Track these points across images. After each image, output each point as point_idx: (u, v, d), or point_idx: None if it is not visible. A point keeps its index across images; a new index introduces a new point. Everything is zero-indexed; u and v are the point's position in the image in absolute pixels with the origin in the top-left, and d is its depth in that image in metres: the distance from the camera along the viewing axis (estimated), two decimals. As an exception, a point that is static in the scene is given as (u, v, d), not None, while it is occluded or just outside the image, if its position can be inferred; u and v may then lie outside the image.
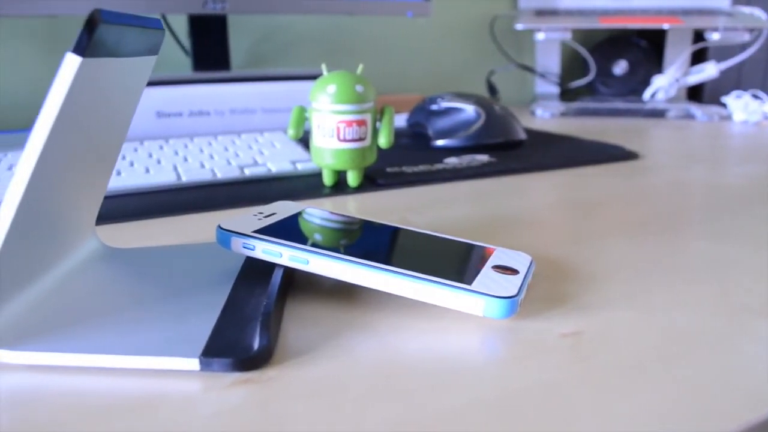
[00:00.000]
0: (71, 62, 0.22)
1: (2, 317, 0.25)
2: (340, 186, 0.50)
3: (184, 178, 0.49)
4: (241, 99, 0.72)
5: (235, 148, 0.58)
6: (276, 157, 0.55)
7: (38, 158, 0.23)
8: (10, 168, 0.52)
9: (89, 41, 0.22)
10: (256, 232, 0.30)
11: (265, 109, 0.73)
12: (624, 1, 1.07)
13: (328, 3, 0.81)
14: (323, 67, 0.49)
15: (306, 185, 0.50)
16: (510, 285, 0.28)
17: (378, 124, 0.49)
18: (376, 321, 0.28)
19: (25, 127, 0.87)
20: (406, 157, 0.60)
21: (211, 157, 0.55)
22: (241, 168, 0.52)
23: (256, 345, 0.24)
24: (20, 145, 0.66)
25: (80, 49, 0.22)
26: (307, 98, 0.75)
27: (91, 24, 0.22)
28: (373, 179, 0.52)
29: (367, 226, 0.33)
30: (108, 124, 0.28)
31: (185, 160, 0.54)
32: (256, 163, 0.54)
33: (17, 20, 0.84)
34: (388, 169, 0.55)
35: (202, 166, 0.53)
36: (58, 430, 0.20)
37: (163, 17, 0.87)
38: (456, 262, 0.30)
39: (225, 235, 0.30)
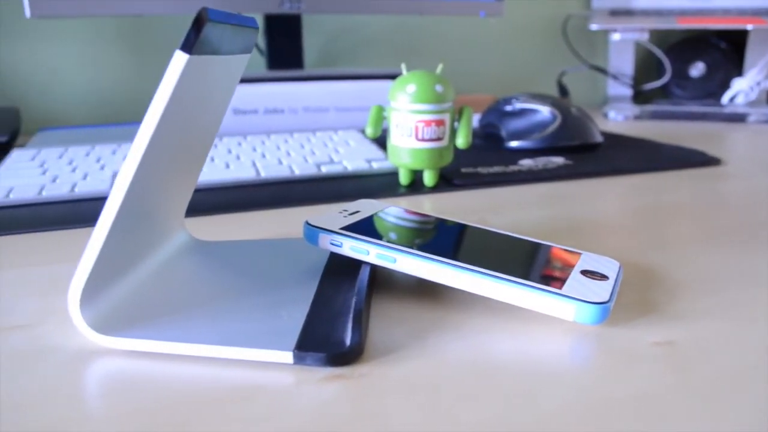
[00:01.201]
0: (179, 59, 0.23)
1: (103, 304, 0.26)
2: (415, 185, 0.50)
3: (263, 174, 0.50)
4: (314, 97, 0.73)
5: (311, 145, 0.59)
6: (351, 155, 0.56)
7: (144, 152, 0.24)
8: (98, 161, 0.54)
9: (197, 39, 0.23)
10: (342, 229, 0.31)
11: (337, 107, 0.74)
12: (703, 1, 1.04)
13: (401, 3, 0.81)
14: (403, 66, 0.49)
15: (381, 184, 0.51)
16: (601, 291, 0.27)
17: (456, 124, 0.49)
18: (463, 322, 0.27)
19: (109, 122, 0.90)
20: (479, 157, 0.60)
21: (288, 154, 0.56)
22: (318, 165, 0.53)
23: (347, 341, 0.24)
24: (105, 139, 0.69)
25: (188, 47, 0.23)
26: (378, 98, 0.76)
27: (199, 22, 0.23)
28: (449, 179, 0.52)
29: (451, 227, 0.33)
30: (204, 120, 0.29)
31: (263, 156, 0.56)
32: (332, 161, 0.54)
33: (104, 20, 0.88)
34: (463, 170, 0.54)
35: (280, 162, 0.54)
36: (155, 415, 0.21)
37: (240, 16, 0.89)
38: (543, 265, 0.29)
39: (312, 231, 0.31)
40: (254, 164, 0.53)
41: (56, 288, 0.32)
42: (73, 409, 0.22)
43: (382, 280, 0.32)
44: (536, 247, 0.32)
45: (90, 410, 0.22)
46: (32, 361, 0.25)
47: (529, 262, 0.30)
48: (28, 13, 0.68)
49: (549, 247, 0.32)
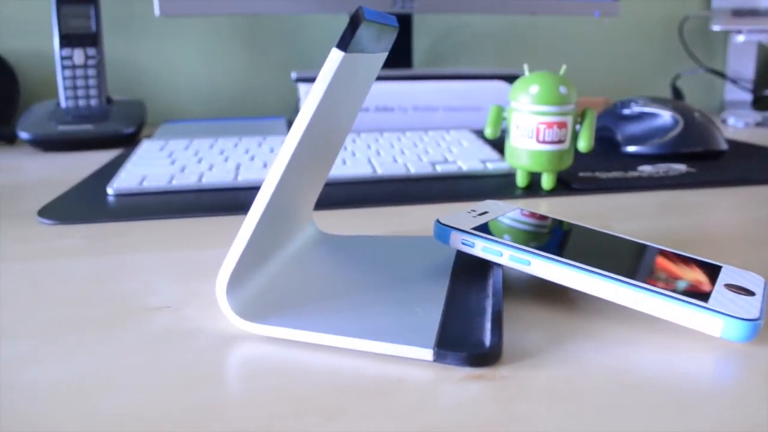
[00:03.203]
0: (335, 57, 0.24)
1: (246, 291, 0.27)
2: (533, 188, 0.49)
3: (380, 171, 0.51)
4: (424, 96, 0.73)
5: (424, 144, 0.59)
6: (465, 155, 0.56)
7: (296, 146, 0.25)
8: (221, 153, 0.57)
9: (352, 37, 0.24)
10: (473, 229, 0.30)
11: (446, 107, 0.74)
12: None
13: (514, 2, 0.80)
14: (525, 67, 0.48)
15: (497, 185, 0.50)
16: (750, 306, 0.26)
17: (577, 126, 0.47)
18: (602, 330, 0.27)
19: (224, 115, 0.94)
20: (595, 162, 0.58)
21: (402, 152, 0.57)
22: (433, 164, 0.53)
23: (487, 342, 0.24)
24: (224, 132, 0.72)
25: (344, 45, 0.24)
26: (488, 98, 0.75)
27: (355, 21, 0.24)
28: (567, 183, 0.50)
29: (583, 232, 0.32)
30: (343, 117, 0.30)
31: (378, 153, 0.56)
32: (446, 161, 0.54)
33: (220, 18, 0.91)
34: (581, 174, 0.53)
35: (395, 160, 0.54)
36: (301, 402, 0.22)
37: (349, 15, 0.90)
38: (684, 276, 0.28)
39: (444, 230, 0.31)
40: (370, 161, 0.54)
41: (193, 273, 0.34)
42: (217, 391, 0.23)
43: (509, 283, 0.32)
44: (674, 256, 0.31)
45: (234, 393, 0.22)
46: (178, 343, 0.26)
47: (668, 272, 0.28)
48: (157, 11, 0.72)
49: (687, 257, 0.31)
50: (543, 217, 0.34)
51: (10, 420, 0.21)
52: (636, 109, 0.64)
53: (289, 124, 0.79)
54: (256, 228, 0.26)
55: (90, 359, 0.25)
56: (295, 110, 0.78)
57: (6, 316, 0.29)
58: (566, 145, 0.47)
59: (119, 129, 0.71)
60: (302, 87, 0.72)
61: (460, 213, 0.33)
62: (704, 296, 0.26)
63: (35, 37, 0.87)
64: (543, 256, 0.28)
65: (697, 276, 0.28)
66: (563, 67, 0.47)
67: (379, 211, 0.45)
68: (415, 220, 0.43)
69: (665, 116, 0.62)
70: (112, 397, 0.22)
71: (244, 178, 0.49)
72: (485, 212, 0.33)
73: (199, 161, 0.54)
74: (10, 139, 0.75)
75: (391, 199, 0.47)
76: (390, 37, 0.30)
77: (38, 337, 0.27)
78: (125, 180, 0.49)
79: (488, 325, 0.25)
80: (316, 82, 0.24)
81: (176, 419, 0.21)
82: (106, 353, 0.25)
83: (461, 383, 0.23)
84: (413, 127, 0.73)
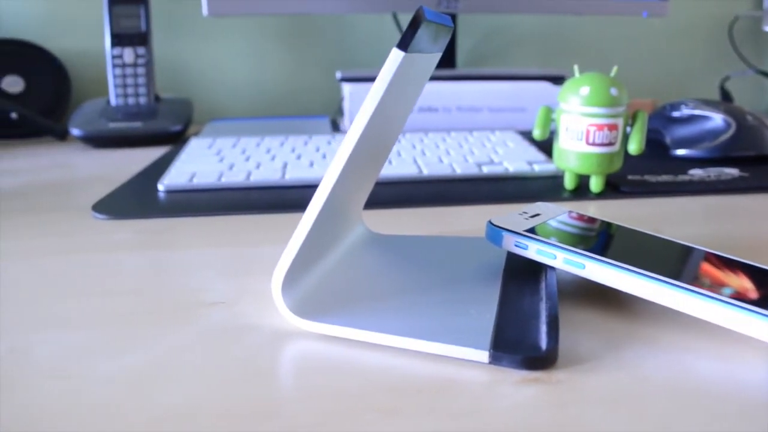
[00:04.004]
0: (395, 57, 0.24)
1: (300, 289, 0.27)
2: (581, 191, 0.49)
3: (425, 172, 0.51)
4: (468, 97, 0.73)
5: (469, 145, 0.59)
6: (511, 156, 0.55)
7: (354, 146, 0.25)
8: (268, 151, 0.57)
9: (413, 37, 0.24)
10: (526, 231, 0.30)
11: (491, 107, 0.73)
12: None
13: (560, 3, 0.79)
14: (575, 68, 0.47)
15: (544, 187, 0.50)
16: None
17: (628, 128, 0.47)
18: (658, 336, 0.26)
19: (268, 114, 0.95)
20: (643, 165, 0.57)
21: (447, 152, 0.57)
22: (479, 165, 0.53)
23: (543, 345, 0.24)
24: (269, 131, 0.72)
25: (404, 45, 0.24)
26: (533, 99, 0.74)
27: (416, 22, 0.24)
28: (616, 186, 0.50)
29: (638, 236, 0.32)
30: (397, 118, 0.30)
31: (423, 153, 0.56)
32: (492, 162, 0.54)
33: (266, 18, 0.92)
34: (629, 177, 0.52)
35: (441, 160, 0.54)
36: (359, 399, 0.22)
37: (394, 15, 0.90)
38: (741, 282, 0.27)
39: (496, 231, 0.31)
40: (415, 161, 0.54)
41: (245, 269, 0.34)
42: (274, 387, 0.23)
43: (561, 286, 0.31)
44: (729, 261, 0.30)
45: (290, 389, 0.23)
46: (233, 338, 0.27)
47: (723, 277, 0.28)
48: (205, 11, 0.73)
49: (742, 263, 0.30)
50: (595, 221, 0.34)
51: (73, 408, 0.22)
52: (686, 111, 0.63)
53: (333, 123, 0.79)
54: (313, 226, 0.26)
55: (148, 352, 0.25)
56: (339, 110, 0.79)
57: (67, 307, 0.30)
58: (616, 148, 0.46)
59: (167, 127, 0.73)
60: (346, 87, 0.72)
61: (512, 214, 0.33)
62: (762, 302, 0.26)
63: (86, 36, 0.89)
64: (598, 259, 0.28)
65: (754, 282, 0.28)
66: (614, 68, 0.47)
67: (425, 212, 0.45)
68: (461, 220, 0.42)
69: (716, 119, 0.61)
70: (170, 390, 0.23)
71: (291, 176, 0.50)
72: (537, 214, 0.33)
73: (247, 159, 0.55)
74: (62, 136, 0.77)
75: (436, 199, 0.47)
76: (445, 38, 0.30)
77: (98, 329, 0.27)
78: (175, 177, 0.50)
79: (543, 328, 0.25)
80: (375, 82, 0.24)
81: (234, 414, 0.21)
82: (164, 347, 0.26)
83: (517, 386, 0.23)
84: (457, 128, 0.73)
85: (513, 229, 0.30)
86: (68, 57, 0.90)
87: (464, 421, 0.21)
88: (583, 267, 0.28)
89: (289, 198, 0.47)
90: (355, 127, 0.25)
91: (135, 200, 0.47)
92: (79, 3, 0.88)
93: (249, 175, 0.50)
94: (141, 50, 0.75)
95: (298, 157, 0.55)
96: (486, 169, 0.52)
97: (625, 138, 0.47)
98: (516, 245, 0.30)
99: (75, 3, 0.88)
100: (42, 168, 0.61)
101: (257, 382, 0.23)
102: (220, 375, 0.24)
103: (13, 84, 0.81)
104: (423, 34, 0.25)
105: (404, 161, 0.53)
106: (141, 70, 0.76)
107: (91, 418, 0.21)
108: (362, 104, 0.24)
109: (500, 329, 0.25)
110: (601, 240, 0.31)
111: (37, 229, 0.42)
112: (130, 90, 0.75)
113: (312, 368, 0.24)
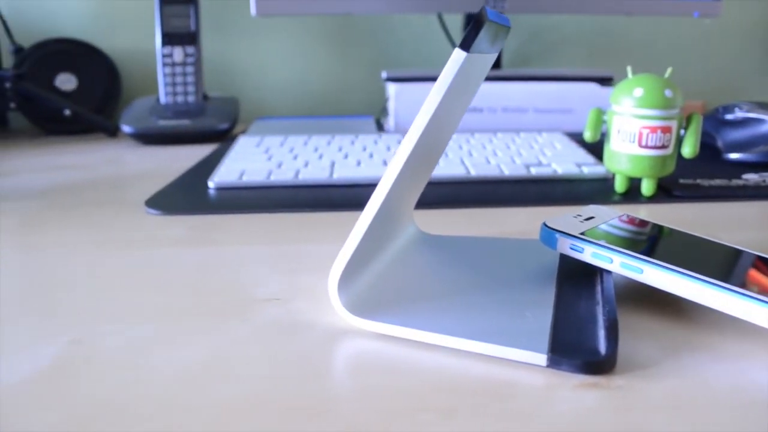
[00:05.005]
0: (457, 57, 0.24)
1: (356, 288, 0.28)
2: (631, 194, 0.48)
3: (473, 172, 0.51)
4: (513, 97, 0.72)
5: (516, 146, 0.59)
6: (559, 158, 0.55)
7: (414, 146, 0.25)
8: (315, 150, 0.58)
9: (475, 38, 0.24)
10: (581, 234, 0.30)
11: (536, 108, 0.73)
12: None
13: (608, 3, 0.78)
14: (628, 69, 0.47)
15: (593, 189, 0.49)
16: None
17: (682, 131, 0.46)
18: (719, 344, 0.26)
19: (312, 113, 0.96)
20: (695, 168, 0.56)
21: (495, 153, 0.56)
22: (527, 166, 0.52)
23: (602, 350, 0.24)
24: (314, 130, 0.73)
25: (467, 45, 0.24)
26: (580, 100, 0.73)
27: (479, 22, 0.24)
28: (668, 190, 0.49)
29: (693, 240, 0.31)
30: (453, 118, 0.30)
31: (470, 154, 0.56)
32: (540, 163, 0.53)
33: (311, 18, 0.93)
34: (681, 181, 0.51)
35: (488, 161, 0.54)
36: (408, 399, 0.22)
37: (439, 16, 0.90)
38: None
39: (551, 233, 0.30)
40: (462, 162, 0.54)
41: (296, 266, 0.34)
42: (331, 385, 0.23)
43: (617, 290, 0.31)
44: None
45: (347, 388, 0.23)
46: (289, 335, 0.27)
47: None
48: (254, 11, 0.74)
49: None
50: (650, 224, 0.33)
51: (137, 398, 0.22)
52: (740, 114, 0.62)
53: (378, 123, 0.79)
54: (370, 225, 0.26)
55: (208, 346, 0.26)
56: (383, 110, 0.79)
57: (128, 300, 0.30)
58: (670, 151, 0.45)
59: (214, 125, 0.74)
60: (392, 86, 0.72)
61: (566, 217, 0.32)
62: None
63: (137, 35, 0.91)
64: (657, 264, 0.27)
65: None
66: (669, 70, 0.46)
67: (472, 212, 0.44)
68: (509, 222, 0.42)
69: (772, 122, 0.59)
70: (230, 385, 0.23)
71: (339, 175, 0.50)
72: (591, 217, 0.33)
73: (295, 158, 0.55)
74: (113, 133, 0.79)
75: (484, 200, 0.46)
76: (503, 39, 0.30)
77: (158, 322, 0.28)
78: (225, 174, 0.51)
79: (601, 333, 0.25)
80: (436, 82, 0.24)
81: (291, 410, 0.21)
82: (221, 342, 0.26)
83: (576, 390, 0.22)
84: (502, 128, 0.72)
85: (568, 232, 0.30)
86: (119, 56, 0.92)
87: (523, 425, 0.20)
88: (641, 272, 0.28)
89: (336, 197, 0.47)
90: (415, 127, 0.25)
91: (186, 196, 0.48)
92: (130, 3, 0.90)
93: (297, 173, 0.51)
94: (190, 49, 0.77)
95: (345, 156, 0.55)
96: (534, 171, 0.51)
97: (679, 141, 0.46)
98: (571, 248, 0.30)
99: (127, 3, 0.90)
100: (95, 164, 0.62)
101: (314, 380, 0.23)
102: (277, 371, 0.24)
103: (67, 82, 0.83)
104: (485, 34, 0.25)
105: (452, 162, 0.53)
106: (190, 69, 0.77)
107: (154, 408, 0.22)
108: (423, 104, 0.24)
109: (557, 332, 0.25)
110: (657, 244, 0.30)
111: (95, 223, 0.43)
112: (179, 88, 0.77)
113: (368, 367, 0.24)
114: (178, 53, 0.77)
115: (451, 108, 0.28)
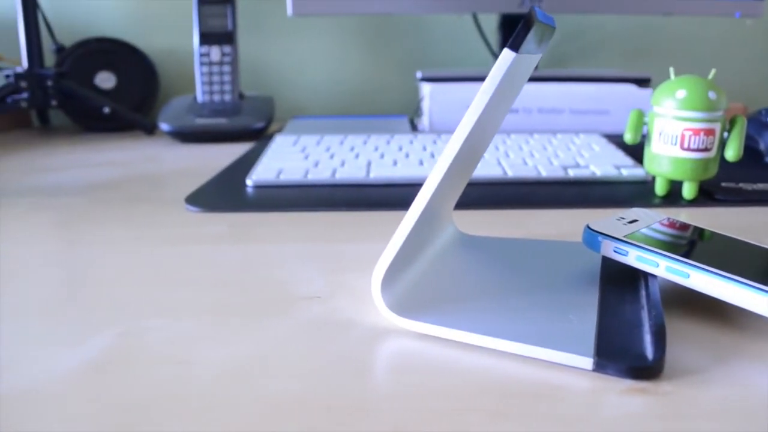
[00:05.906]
0: (506, 57, 0.24)
1: (398, 287, 0.28)
2: (672, 197, 0.47)
3: (510, 173, 0.51)
4: (549, 98, 0.72)
5: (553, 147, 0.58)
6: (597, 160, 0.54)
7: (461, 145, 0.25)
8: (352, 149, 0.58)
9: (525, 38, 0.23)
10: (625, 237, 0.30)
11: (573, 110, 0.72)
12: None
13: (647, 3, 0.77)
14: (671, 70, 0.46)
15: (632, 192, 0.48)
16: None
17: (725, 134, 0.45)
18: (766, 351, 0.25)
19: (347, 113, 0.96)
20: (737, 172, 0.55)
21: (531, 154, 0.56)
22: (565, 168, 0.52)
23: (650, 355, 0.23)
24: (350, 129, 0.73)
25: (516, 45, 0.24)
26: (617, 101, 0.72)
27: (529, 23, 0.24)
28: (710, 193, 0.48)
29: (740, 245, 0.31)
30: (497, 118, 0.30)
31: (507, 155, 0.56)
32: (578, 165, 0.53)
33: (347, 17, 0.93)
34: (723, 184, 0.50)
35: (525, 163, 0.53)
36: (454, 400, 0.22)
37: (474, 16, 0.90)
38: None
39: (594, 236, 0.30)
40: (499, 163, 0.53)
41: (336, 265, 0.35)
42: (375, 383, 0.23)
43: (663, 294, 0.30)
44: None
45: (392, 386, 0.23)
46: (332, 333, 0.27)
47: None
48: (290, 11, 0.75)
49: None
50: (694, 228, 0.33)
51: (184, 392, 0.22)
52: (784, 117, 0.60)
53: (412, 123, 0.79)
54: (414, 225, 0.26)
55: (251, 342, 0.26)
56: (417, 110, 0.79)
57: (173, 295, 0.31)
58: (712, 154, 0.45)
59: (250, 123, 0.75)
60: (426, 86, 0.72)
61: (609, 220, 0.32)
62: None
63: (175, 35, 0.92)
64: (704, 269, 0.27)
65: None
66: (712, 71, 0.45)
67: (510, 213, 0.44)
68: (547, 224, 0.42)
69: (818, 126, 0.58)
70: (274, 381, 0.23)
71: (376, 175, 0.50)
72: (634, 220, 0.32)
73: (331, 157, 0.55)
74: (150, 130, 0.80)
75: (521, 201, 0.46)
76: (548, 40, 0.30)
77: (203, 318, 0.28)
78: (263, 172, 0.51)
79: (648, 338, 0.25)
80: (485, 82, 0.24)
81: (336, 408, 0.22)
82: (265, 338, 0.27)
83: (623, 395, 0.22)
84: (537, 129, 0.72)
85: (612, 235, 0.30)
86: (157, 55, 0.93)
87: (571, 428, 0.20)
88: (688, 276, 0.27)
89: (373, 196, 0.47)
90: (462, 127, 0.25)
91: (225, 194, 0.48)
92: (168, 3, 0.91)
93: (334, 172, 0.51)
94: (227, 49, 0.78)
95: (382, 156, 0.56)
96: (572, 173, 0.51)
97: (722, 144, 0.45)
98: (615, 251, 0.29)
99: (165, 3, 0.91)
100: (134, 161, 0.64)
101: (358, 378, 0.23)
102: (321, 368, 0.24)
103: (106, 80, 0.85)
104: (533, 35, 0.24)
105: (488, 162, 0.53)
106: (227, 68, 0.78)
107: (201, 402, 0.22)
108: (468, 104, 0.24)
109: (603, 336, 0.25)
110: (703, 249, 0.30)
111: (136, 219, 0.43)
112: (216, 87, 0.78)
113: (411, 366, 0.24)
114: (215, 52, 0.78)
115: (496, 109, 0.28)
